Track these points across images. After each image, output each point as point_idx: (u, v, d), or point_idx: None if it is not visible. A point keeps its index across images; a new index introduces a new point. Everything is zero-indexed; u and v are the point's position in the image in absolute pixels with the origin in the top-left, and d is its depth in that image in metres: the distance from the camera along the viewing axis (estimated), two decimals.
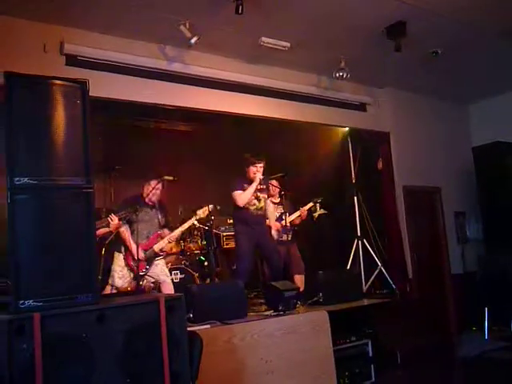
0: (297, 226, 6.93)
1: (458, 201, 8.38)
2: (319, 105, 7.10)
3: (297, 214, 6.77)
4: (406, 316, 6.42)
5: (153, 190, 5.58)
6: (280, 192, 6.52)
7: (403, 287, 7.17)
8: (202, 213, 5.86)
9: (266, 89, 6.56)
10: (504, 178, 7.63)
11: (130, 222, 5.51)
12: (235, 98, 6.32)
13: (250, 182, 5.76)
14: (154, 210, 5.65)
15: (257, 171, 5.76)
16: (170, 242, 5.84)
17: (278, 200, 6.68)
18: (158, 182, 5.63)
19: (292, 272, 6.44)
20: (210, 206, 5.91)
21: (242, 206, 5.72)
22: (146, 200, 5.62)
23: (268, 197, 6.12)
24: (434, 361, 6.30)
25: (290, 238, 6.64)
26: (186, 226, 5.84)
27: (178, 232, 5.78)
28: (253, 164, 5.78)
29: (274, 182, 6.61)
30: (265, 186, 5.99)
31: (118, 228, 5.47)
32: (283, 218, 6.27)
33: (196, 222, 6.97)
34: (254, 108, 6.48)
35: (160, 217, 5.72)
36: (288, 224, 6.40)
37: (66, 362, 2.47)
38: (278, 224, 6.35)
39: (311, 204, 6.92)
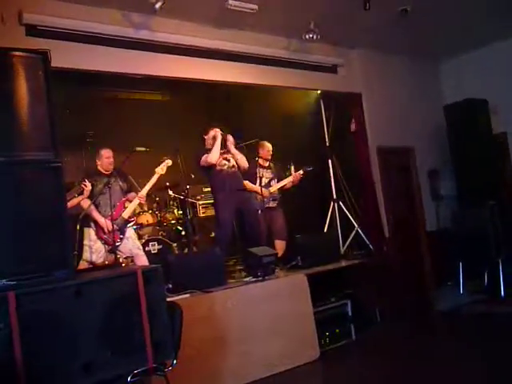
0: (285, 192, 6.92)
1: (431, 159, 8.43)
2: (290, 68, 6.99)
3: (289, 179, 6.75)
4: (383, 275, 6.52)
5: (105, 159, 5.56)
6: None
7: (380, 247, 7.27)
8: (161, 169, 5.75)
9: (236, 54, 6.42)
10: (475, 135, 7.67)
11: (91, 196, 5.39)
12: (205, 65, 6.18)
13: (210, 148, 5.91)
14: (113, 179, 5.55)
15: (216, 132, 5.94)
16: (140, 203, 5.85)
17: (266, 164, 6.69)
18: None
19: (273, 237, 6.49)
20: (169, 161, 5.81)
21: (215, 163, 5.83)
22: (102, 170, 5.58)
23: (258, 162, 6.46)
24: (411, 316, 6.44)
25: (276, 205, 6.67)
26: (149, 185, 5.70)
27: (144, 192, 5.66)
28: (211, 129, 6.01)
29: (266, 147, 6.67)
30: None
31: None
32: (271, 184, 6.41)
33: (171, 192, 6.96)
34: (225, 74, 6.36)
35: (121, 183, 5.67)
36: (276, 190, 6.58)
37: (46, 338, 2.46)
38: (265, 190, 6.39)
39: (301, 171, 6.85)
